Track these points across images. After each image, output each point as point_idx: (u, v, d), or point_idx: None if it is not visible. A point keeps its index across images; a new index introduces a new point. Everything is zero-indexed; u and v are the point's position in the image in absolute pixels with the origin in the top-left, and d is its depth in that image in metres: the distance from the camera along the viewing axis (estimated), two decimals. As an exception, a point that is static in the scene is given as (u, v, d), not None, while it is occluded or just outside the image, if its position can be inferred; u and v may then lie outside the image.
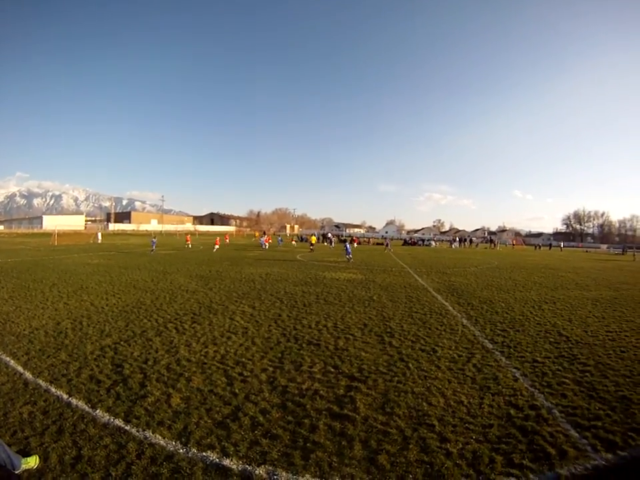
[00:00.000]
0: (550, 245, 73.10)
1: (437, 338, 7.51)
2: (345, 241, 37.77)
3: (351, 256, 25.35)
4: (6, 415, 4.13)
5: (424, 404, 4.64)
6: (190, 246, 38.71)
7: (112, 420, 4.08)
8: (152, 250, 29.72)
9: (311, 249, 35.83)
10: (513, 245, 75.28)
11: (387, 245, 45.77)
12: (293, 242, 52.44)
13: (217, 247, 35.27)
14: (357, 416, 4.31)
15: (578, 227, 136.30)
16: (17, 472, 3.10)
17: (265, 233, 52.88)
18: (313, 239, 39.37)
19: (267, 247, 39.73)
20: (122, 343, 6.75)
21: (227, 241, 51.29)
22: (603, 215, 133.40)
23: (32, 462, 3.30)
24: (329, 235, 57.39)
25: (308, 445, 3.73)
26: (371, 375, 5.56)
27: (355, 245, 53.93)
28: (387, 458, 3.55)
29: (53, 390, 4.78)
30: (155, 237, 32.96)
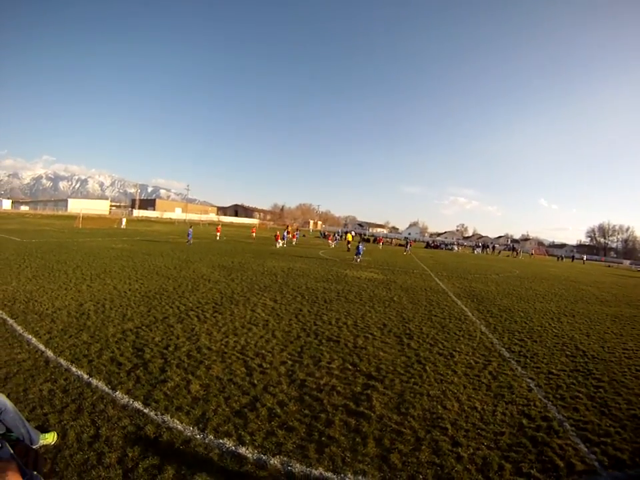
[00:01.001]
0: (572, 257, 71.50)
1: (455, 343, 7.51)
2: (362, 240, 36.14)
3: (360, 256, 24.17)
4: (26, 391, 4.27)
5: (439, 407, 4.68)
6: (218, 237, 37.48)
7: (131, 402, 4.20)
8: (188, 241, 27.72)
9: (349, 249, 32.79)
10: (532, 254, 73.75)
11: (406, 246, 43.86)
12: (348, 245, 36.03)
13: (279, 242, 31.91)
14: (373, 414, 4.38)
15: (602, 240, 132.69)
16: (34, 447, 3.18)
17: (287, 227, 50.17)
18: (349, 237, 36.99)
19: (294, 243, 38.16)
20: (143, 327, 6.91)
21: (254, 234, 46.83)
22: (627, 229, 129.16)
23: (50, 438, 3.40)
24: (352, 233, 57.20)
25: (323, 439, 3.81)
26: (388, 374, 5.62)
27: (380, 244, 53.61)
28: (399, 457, 3.61)
29: (74, 369, 4.92)
30: (191, 227, 31.50)
